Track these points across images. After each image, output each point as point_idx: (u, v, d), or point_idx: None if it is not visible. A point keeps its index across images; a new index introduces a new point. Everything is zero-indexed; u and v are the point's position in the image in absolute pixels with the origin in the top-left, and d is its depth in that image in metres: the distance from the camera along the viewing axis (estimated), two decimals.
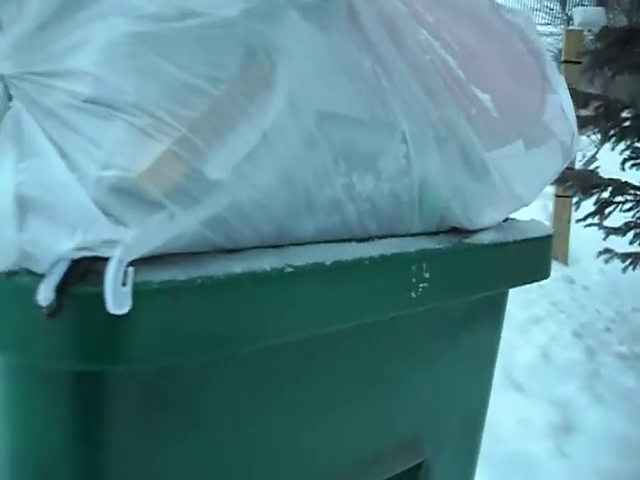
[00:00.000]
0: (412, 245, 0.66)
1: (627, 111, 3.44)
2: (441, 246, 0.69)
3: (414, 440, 0.80)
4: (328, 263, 0.56)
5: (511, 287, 0.80)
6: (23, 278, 0.44)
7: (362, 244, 0.63)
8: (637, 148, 3.28)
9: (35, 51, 0.49)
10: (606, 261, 3.25)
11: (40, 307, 0.41)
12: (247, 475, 0.58)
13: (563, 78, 0.81)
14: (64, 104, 0.47)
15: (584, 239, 4.30)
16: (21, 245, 0.44)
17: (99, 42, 0.45)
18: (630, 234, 3.19)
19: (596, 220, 3.23)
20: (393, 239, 0.67)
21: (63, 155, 0.46)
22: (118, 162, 0.44)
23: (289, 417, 0.62)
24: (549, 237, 0.85)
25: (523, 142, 0.71)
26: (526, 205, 0.77)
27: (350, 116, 0.56)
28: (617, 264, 3.50)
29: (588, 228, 3.44)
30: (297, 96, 0.50)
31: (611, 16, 5.43)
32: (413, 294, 0.64)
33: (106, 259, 0.43)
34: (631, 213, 3.21)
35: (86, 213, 0.43)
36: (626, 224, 3.22)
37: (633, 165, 3.28)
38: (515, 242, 0.78)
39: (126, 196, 0.44)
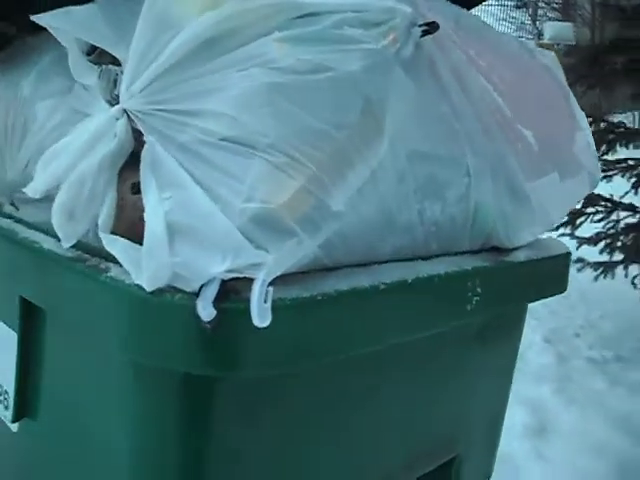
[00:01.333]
0: (467, 263, 0.75)
1: (594, 125, 3.61)
2: (488, 263, 0.78)
3: (450, 438, 0.90)
4: (409, 280, 0.65)
5: (540, 299, 0.90)
6: (175, 296, 0.51)
7: (427, 262, 0.72)
8: (607, 161, 3.45)
9: (167, 90, 0.56)
10: (579, 270, 3.41)
11: (203, 322, 0.48)
12: (328, 460, 0.67)
13: (584, 114, 0.91)
14: (200, 141, 0.54)
15: None
16: (173, 267, 0.51)
17: (239, 88, 0.53)
18: (601, 244, 3.36)
19: (568, 230, 3.39)
20: (449, 257, 0.76)
21: (204, 187, 0.53)
22: (259, 195, 0.52)
23: (361, 413, 0.70)
24: (568, 254, 0.95)
25: (558, 173, 0.80)
26: (554, 226, 0.87)
27: (432, 153, 0.64)
28: (586, 273, 3.66)
29: (560, 238, 3.59)
30: (396, 138, 0.59)
31: (575, 29, 5.65)
32: (468, 307, 0.73)
33: (250, 279, 0.51)
34: (602, 224, 3.38)
35: (233, 240, 0.51)
36: (597, 234, 3.38)
37: (603, 178, 3.44)
38: (544, 259, 0.88)
39: (266, 225, 0.52)
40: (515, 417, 2.77)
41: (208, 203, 0.52)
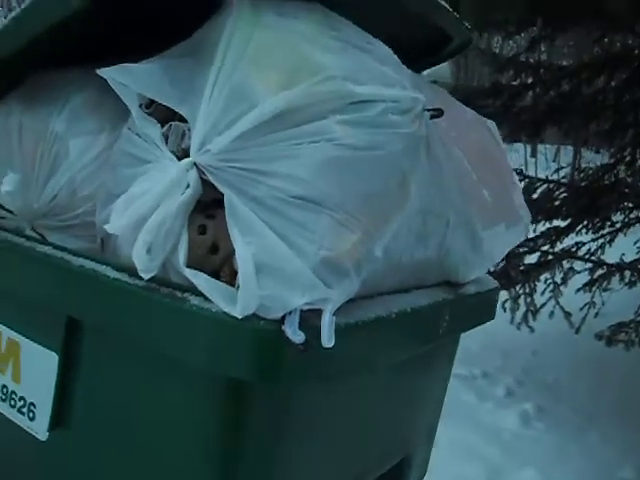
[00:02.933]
0: (438, 295, 0.94)
1: None
2: (452, 296, 0.98)
3: (406, 440, 1.08)
4: (409, 309, 0.82)
5: (479, 325, 1.11)
6: (260, 322, 0.65)
7: (410, 294, 0.90)
8: None
9: (241, 151, 0.70)
10: None
11: (296, 344, 0.63)
12: (342, 453, 0.83)
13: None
14: (273, 196, 0.69)
15: None
16: (261, 299, 0.65)
17: (311, 158, 0.68)
18: None
19: None
20: (422, 290, 0.94)
21: (279, 235, 0.68)
22: (327, 244, 0.67)
23: (354, 417, 0.87)
24: (497, 288, 1.18)
25: (504, 224, 1.02)
26: (494, 264, 1.09)
27: (428, 210, 0.83)
28: None
29: None
30: (414, 200, 0.76)
31: (450, 68, 6.17)
32: (440, 331, 0.92)
33: (319, 310, 0.66)
34: None
35: (308, 279, 0.66)
36: None
37: None
38: (485, 291, 1.10)
39: (331, 268, 0.67)
40: None
41: (285, 249, 0.67)
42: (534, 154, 11.19)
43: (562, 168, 4.38)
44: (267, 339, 0.64)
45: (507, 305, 3.63)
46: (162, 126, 0.79)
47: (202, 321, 0.67)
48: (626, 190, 3.81)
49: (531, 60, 4.60)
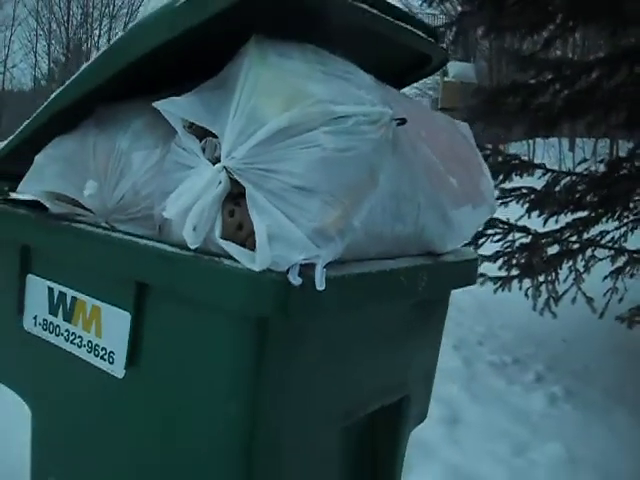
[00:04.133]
0: (417, 261, 1.24)
1: (493, 158, 4.27)
2: (432, 262, 1.27)
3: (403, 381, 1.38)
4: (388, 269, 1.12)
5: (461, 287, 1.40)
6: (272, 273, 0.96)
7: (394, 261, 1.19)
8: (504, 189, 4.10)
9: (256, 156, 1.01)
10: (480, 284, 4.02)
11: (295, 286, 0.93)
12: (345, 382, 1.13)
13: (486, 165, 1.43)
14: (280, 186, 0.99)
15: None
16: (272, 258, 0.96)
17: (304, 159, 0.98)
18: (499, 261, 3.98)
19: (472, 249, 3.99)
20: (405, 258, 1.24)
21: (284, 213, 0.98)
22: (317, 218, 0.97)
23: (355, 357, 1.17)
24: (476, 258, 1.46)
25: (471, 205, 1.31)
26: (468, 240, 1.38)
27: (400, 195, 1.12)
28: (486, 289, 4.29)
29: None
30: (383, 186, 1.06)
31: (476, 69, 6.42)
32: (419, 288, 1.22)
33: (313, 264, 0.96)
34: (500, 244, 4.01)
35: (304, 243, 0.96)
36: (496, 253, 4.01)
37: (501, 204, 4.09)
38: (463, 261, 1.39)
39: (320, 235, 0.98)
40: (431, 410, 3.29)
41: (288, 223, 0.98)
42: (572, 148, 11.30)
43: (586, 160, 4.58)
44: (277, 284, 0.95)
45: (529, 292, 3.87)
46: (200, 141, 1.10)
47: (233, 275, 0.98)
48: None
49: (551, 57, 4.82)
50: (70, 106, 1.26)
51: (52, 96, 1.31)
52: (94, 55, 1.25)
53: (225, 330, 1.03)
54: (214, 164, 1.06)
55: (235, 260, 0.99)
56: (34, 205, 1.38)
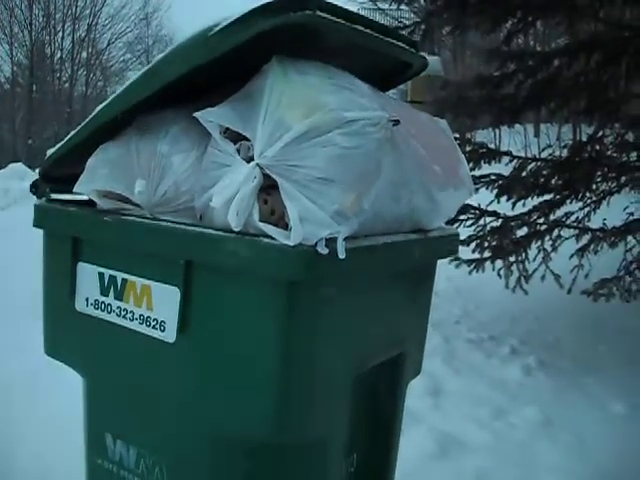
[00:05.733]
0: (410, 237, 1.53)
1: (467, 146, 4.59)
2: (423, 236, 1.56)
3: (401, 339, 1.67)
4: (390, 242, 1.41)
5: (446, 257, 1.69)
6: (304, 247, 1.24)
7: (392, 235, 1.48)
8: (474, 177, 4.42)
9: (284, 155, 1.28)
10: (456, 266, 4.34)
11: (322, 254, 1.21)
12: (358, 337, 1.42)
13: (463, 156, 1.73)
14: (305, 178, 1.27)
15: None
16: (303, 235, 1.24)
17: (324, 155, 1.26)
18: (472, 244, 4.31)
19: None
20: (400, 234, 1.53)
21: (310, 200, 1.26)
22: (337, 203, 1.26)
23: (370, 312, 1.46)
24: (457, 234, 1.76)
25: (453, 188, 1.60)
26: (451, 217, 1.67)
27: (396, 182, 1.41)
28: (461, 274, 4.62)
29: None
30: (385, 175, 1.35)
31: (442, 62, 6.75)
32: (415, 256, 1.51)
33: (335, 238, 1.25)
34: (472, 228, 4.34)
35: (328, 222, 1.24)
36: (469, 237, 4.34)
37: None
38: (447, 235, 1.68)
39: (340, 215, 1.26)
40: (415, 383, 3.59)
41: (314, 207, 1.26)
42: (537, 134, 11.75)
43: (550, 146, 4.92)
44: (308, 254, 1.23)
45: (502, 272, 4.20)
46: (234, 143, 1.38)
47: (272, 249, 1.25)
48: (606, 162, 4.36)
49: (514, 49, 5.14)
50: (114, 118, 1.53)
51: (96, 110, 1.57)
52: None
53: (265, 295, 1.30)
54: (248, 162, 1.33)
55: (272, 238, 1.27)
56: (78, 203, 1.64)
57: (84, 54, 27.06)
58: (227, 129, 1.40)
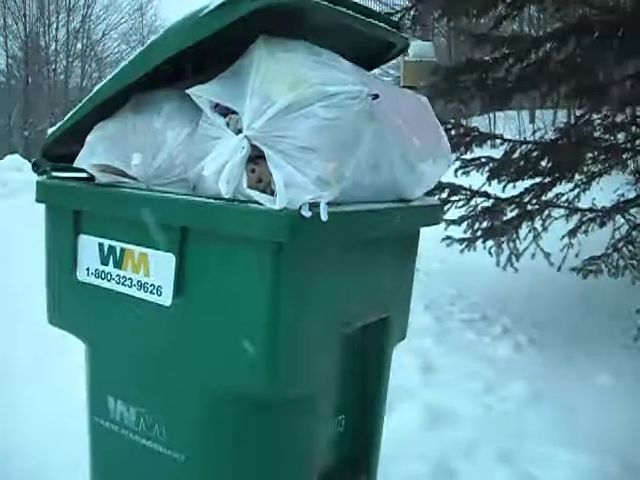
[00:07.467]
0: (393, 204, 1.64)
1: (455, 130, 4.69)
2: (404, 205, 1.67)
3: (387, 302, 1.78)
4: (370, 209, 1.52)
5: (429, 225, 1.80)
6: (290, 210, 1.34)
7: (375, 204, 1.59)
8: (465, 160, 4.53)
9: (270, 127, 1.39)
10: (447, 245, 4.45)
11: (306, 217, 1.32)
12: (343, 298, 1.53)
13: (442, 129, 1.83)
14: (289, 147, 1.38)
15: (424, 237, 5.56)
16: (287, 199, 1.34)
17: (306, 126, 1.37)
18: (464, 225, 4.42)
19: None
20: (382, 203, 1.63)
21: (294, 167, 1.37)
22: (318, 169, 1.36)
23: (353, 275, 1.57)
24: (442, 204, 1.88)
25: (432, 160, 1.71)
26: (431, 187, 1.78)
27: (376, 152, 1.52)
28: (454, 256, 4.73)
29: (427, 230, 4.61)
30: (364, 145, 1.45)
31: (435, 48, 6.86)
32: (395, 222, 1.62)
33: (318, 203, 1.35)
34: (464, 209, 4.45)
35: (311, 187, 1.35)
36: (461, 217, 4.45)
37: (463, 172, 4.52)
38: (428, 205, 1.79)
39: (322, 181, 1.37)
40: (407, 361, 3.71)
41: (297, 174, 1.36)
42: (532, 120, 11.84)
43: (540, 130, 5.02)
44: (293, 217, 1.34)
45: (492, 250, 4.31)
46: (224, 117, 1.48)
47: (260, 213, 1.36)
48: (594, 143, 4.46)
49: (505, 34, 5.23)
50: (110, 97, 1.63)
51: (94, 90, 1.67)
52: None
53: (253, 256, 1.41)
54: (237, 134, 1.44)
55: (259, 204, 1.37)
56: (78, 179, 1.75)
57: (79, 45, 27.07)
58: (217, 104, 1.50)
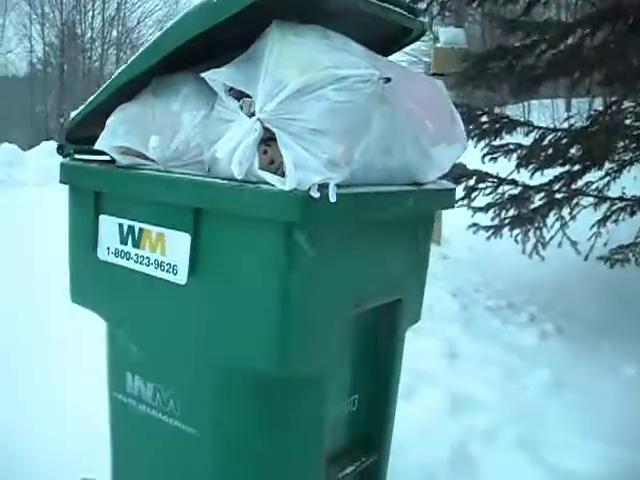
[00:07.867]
0: (405, 187, 1.66)
1: (485, 117, 4.67)
2: (417, 188, 1.69)
3: (398, 285, 1.80)
4: (380, 191, 1.55)
5: (442, 209, 1.82)
6: (300, 191, 1.37)
7: (388, 187, 1.61)
8: (493, 146, 4.50)
9: (282, 109, 1.42)
10: (474, 232, 4.44)
11: (314, 198, 1.35)
12: (354, 279, 1.56)
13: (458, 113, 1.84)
14: (300, 130, 1.41)
15: (453, 225, 5.55)
16: (297, 180, 1.37)
17: (318, 109, 1.40)
18: (491, 212, 4.40)
19: (465, 202, 4.41)
20: (395, 186, 1.65)
21: (304, 149, 1.40)
22: (329, 152, 1.39)
23: (364, 256, 1.60)
24: (454, 188, 1.89)
25: (445, 144, 1.72)
26: (445, 171, 1.79)
27: (388, 136, 1.54)
28: (481, 243, 4.72)
29: (456, 217, 4.59)
30: (375, 128, 1.48)
31: (467, 34, 6.79)
32: (408, 205, 1.64)
33: (327, 184, 1.38)
34: (491, 196, 4.43)
35: (320, 169, 1.38)
36: (487, 204, 4.43)
37: (491, 159, 4.50)
38: (442, 189, 1.81)
39: (331, 163, 1.39)
40: (432, 347, 3.73)
41: (308, 155, 1.39)
42: (568, 108, 11.67)
43: (571, 117, 4.96)
44: (302, 198, 1.37)
45: (519, 238, 4.29)
46: (238, 101, 1.52)
47: (271, 194, 1.40)
48: (625, 131, 4.40)
49: (537, 20, 5.17)
50: (130, 80, 1.68)
51: (115, 74, 1.72)
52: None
53: (264, 236, 1.45)
54: (250, 117, 1.47)
55: (270, 185, 1.41)
56: (99, 162, 1.80)
57: (114, 33, 27.34)
58: (231, 88, 1.54)
